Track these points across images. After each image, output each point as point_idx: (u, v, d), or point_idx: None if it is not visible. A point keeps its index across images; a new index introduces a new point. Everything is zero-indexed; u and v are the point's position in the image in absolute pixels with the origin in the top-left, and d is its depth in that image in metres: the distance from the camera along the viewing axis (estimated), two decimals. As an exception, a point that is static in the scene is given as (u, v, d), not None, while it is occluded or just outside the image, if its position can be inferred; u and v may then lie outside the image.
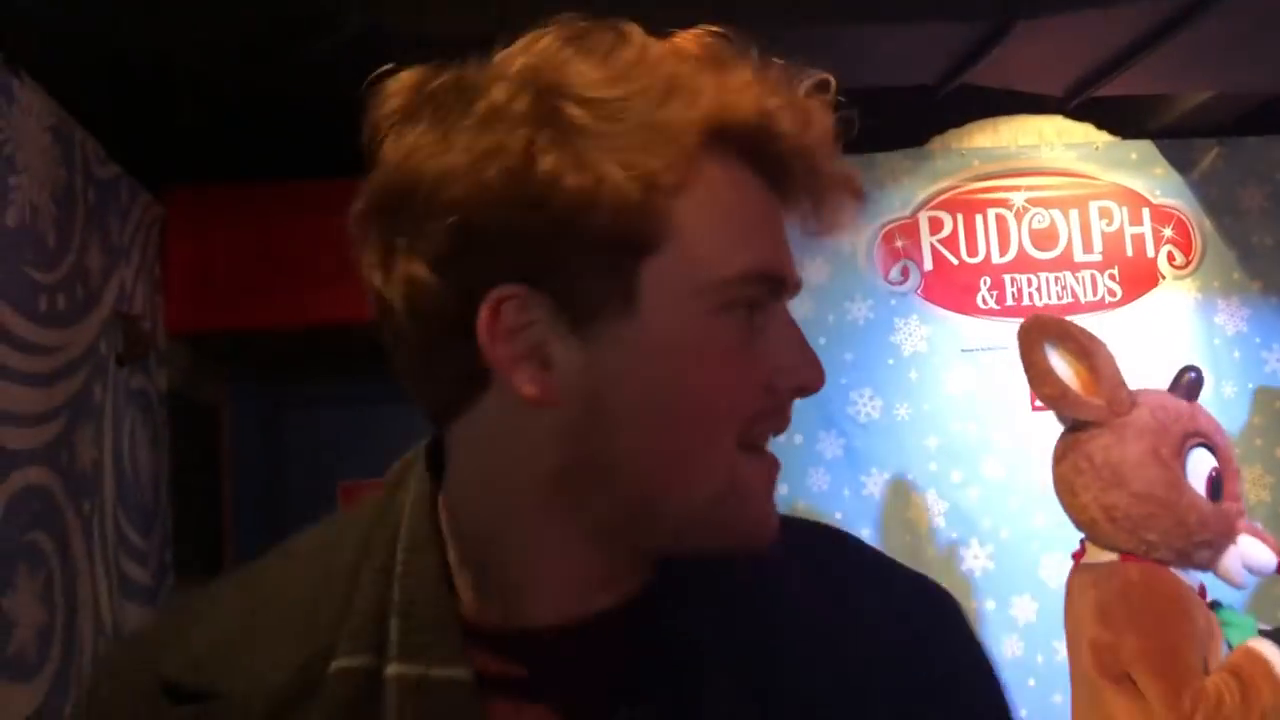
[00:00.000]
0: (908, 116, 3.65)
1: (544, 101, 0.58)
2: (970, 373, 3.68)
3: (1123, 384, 2.59)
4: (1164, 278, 3.85)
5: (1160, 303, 3.82)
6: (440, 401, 0.64)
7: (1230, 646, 2.33)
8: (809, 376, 0.66)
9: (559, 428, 0.60)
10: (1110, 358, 2.59)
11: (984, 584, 3.58)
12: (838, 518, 3.62)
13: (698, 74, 0.59)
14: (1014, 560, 3.57)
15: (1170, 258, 3.86)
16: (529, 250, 0.57)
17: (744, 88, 0.60)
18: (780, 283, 0.64)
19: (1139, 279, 3.84)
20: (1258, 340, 3.90)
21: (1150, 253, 3.86)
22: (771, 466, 0.67)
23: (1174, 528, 2.32)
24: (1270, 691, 2.14)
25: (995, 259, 3.77)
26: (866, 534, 3.62)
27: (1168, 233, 3.87)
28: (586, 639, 0.62)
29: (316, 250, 3.20)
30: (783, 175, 0.62)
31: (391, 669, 0.58)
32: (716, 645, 0.63)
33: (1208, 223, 3.90)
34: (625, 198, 0.56)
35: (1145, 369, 3.40)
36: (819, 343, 3.68)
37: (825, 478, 3.63)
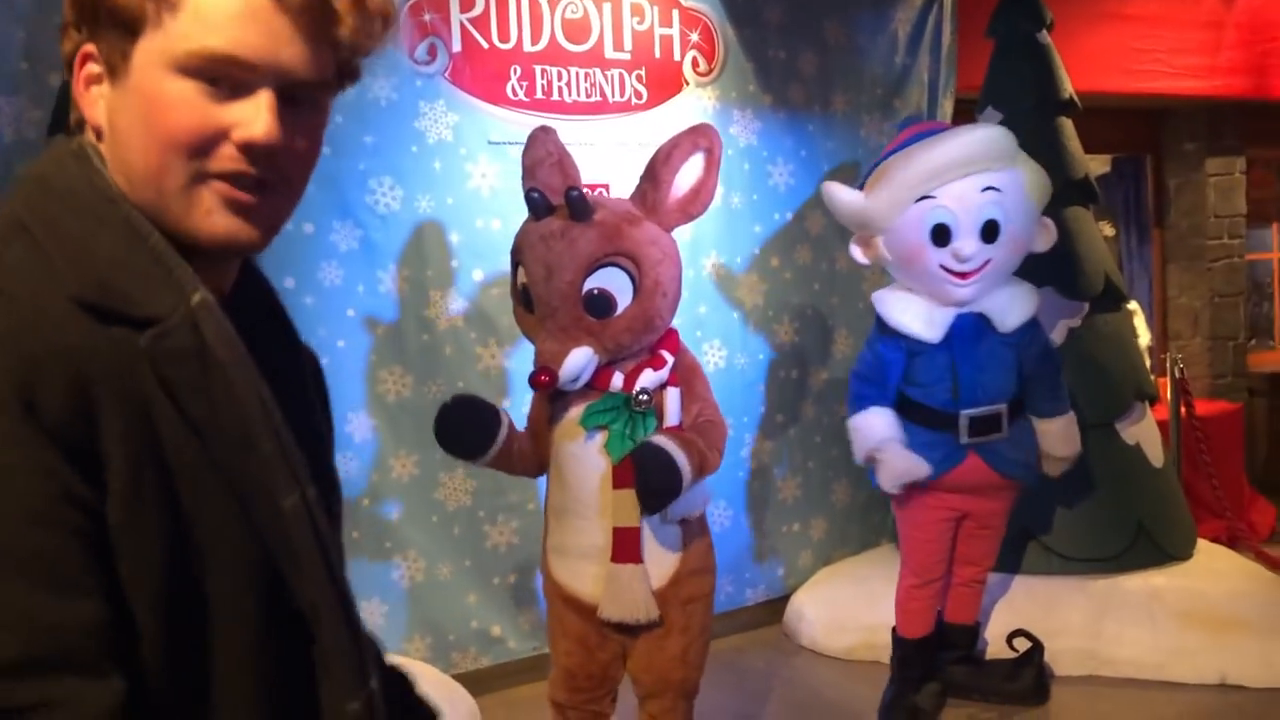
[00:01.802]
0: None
1: None
2: (497, 167, 3.51)
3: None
4: (688, 84, 3.88)
5: (683, 109, 3.84)
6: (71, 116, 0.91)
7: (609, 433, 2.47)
8: (250, 132, 0.86)
9: (106, 145, 0.88)
10: (542, 168, 2.66)
11: (500, 381, 3.53)
12: (350, 315, 3.36)
13: None
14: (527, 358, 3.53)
15: (695, 64, 3.89)
16: (90, 25, 0.86)
17: None
18: (243, 65, 0.85)
19: (664, 83, 3.83)
20: (765, 154, 4.08)
21: (677, 56, 3.85)
22: (224, 194, 0.87)
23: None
24: None
25: (527, 47, 3.57)
26: (381, 333, 3.41)
27: (694, 38, 3.88)
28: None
29: None
30: None
31: (202, 295, 0.85)
32: (259, 321, 0.99)
33: (731, 31, 3.95)
34: (122, 4, 0.84)
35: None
36: (336, 120, 3.31)
37: (338, 271, 3.33)
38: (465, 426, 2.50)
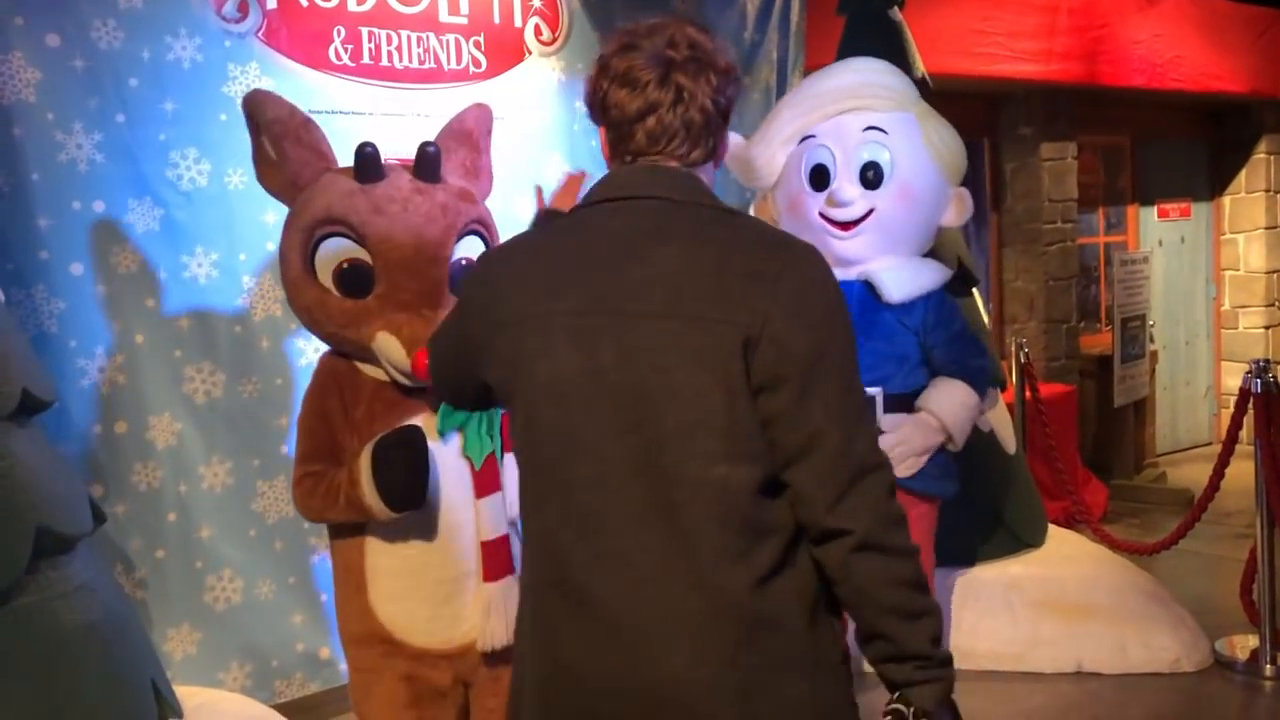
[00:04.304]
0: None
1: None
2: (319, 139, 3.15)
3: (306, 166, 2.16)
4: (530, 53, 3.60)
5: (526, 80, 3.57)
6: (697, 158, 1.38)
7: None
8: None
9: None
10: (303, 140, 2.17)
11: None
12: (149, 306, 2.96)
13: None
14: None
15: (538, 31, 3.61)
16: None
17: None
18: None
19: (505, 51, 3.54)
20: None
21: (518, 23, 3.57)
22: None
23: (304, 316, 2.14)
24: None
25: (352, 6, 3.23)
26: (187, 326, 3.02)
27: (536, 3, 3.60)
28: None
29: None
30: None
31: None
32: None
33: (575, -1, 3.70)
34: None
35: (506, 150, 3.15)
36: (130, 84, 2.91)
37: (135, 256, 2.93)
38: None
